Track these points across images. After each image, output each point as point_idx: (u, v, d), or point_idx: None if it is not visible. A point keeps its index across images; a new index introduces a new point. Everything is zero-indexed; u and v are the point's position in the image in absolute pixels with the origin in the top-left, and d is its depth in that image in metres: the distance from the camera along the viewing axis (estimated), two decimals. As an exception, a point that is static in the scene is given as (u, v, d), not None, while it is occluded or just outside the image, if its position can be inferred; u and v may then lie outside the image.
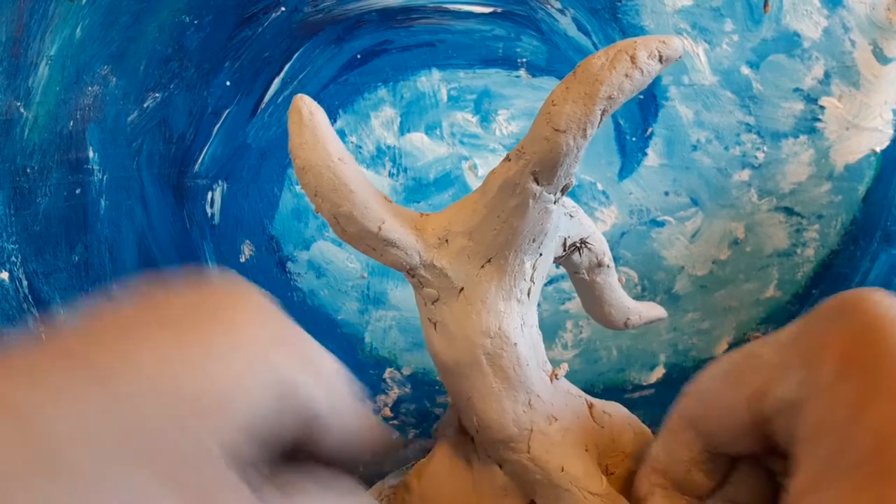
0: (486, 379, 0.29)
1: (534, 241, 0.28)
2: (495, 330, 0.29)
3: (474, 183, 0.49)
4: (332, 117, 0.47)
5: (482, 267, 0.28)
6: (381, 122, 0.48)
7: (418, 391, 0.52)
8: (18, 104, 0.44)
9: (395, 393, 0.52)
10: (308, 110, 0.27)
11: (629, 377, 0.53)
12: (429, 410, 0.52)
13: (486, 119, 0.48)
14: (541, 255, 0.29)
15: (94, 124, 0.45)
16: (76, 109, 0.45)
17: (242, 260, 0.49)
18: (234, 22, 0.46)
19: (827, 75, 0.48)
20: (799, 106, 0.49)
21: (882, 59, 0.48)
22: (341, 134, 0.47)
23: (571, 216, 0.31)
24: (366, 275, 0.50)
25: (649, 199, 0.50)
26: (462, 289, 0.28)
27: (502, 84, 0.48)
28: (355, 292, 0.50)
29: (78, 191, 0.46)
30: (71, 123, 0.45)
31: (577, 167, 0.26)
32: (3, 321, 0.46)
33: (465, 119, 0.48)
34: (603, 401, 0.33)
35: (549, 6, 0.47)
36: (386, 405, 0.52)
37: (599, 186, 0.49)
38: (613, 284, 0.34)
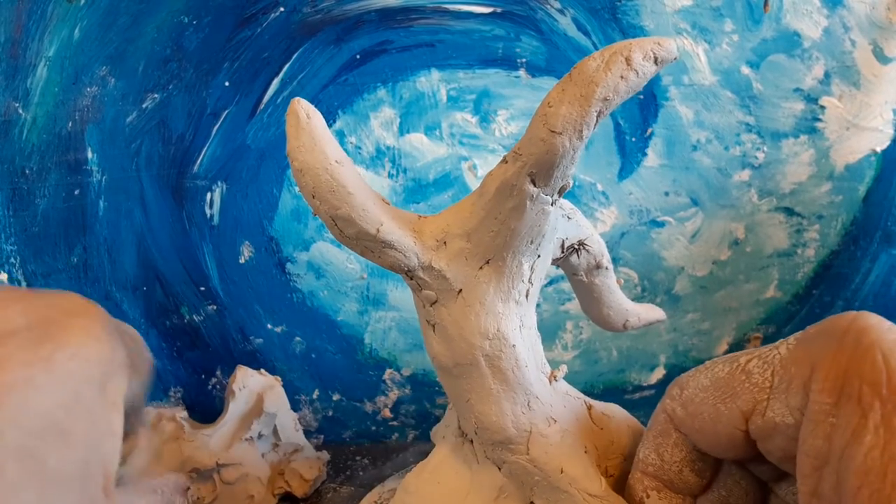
0: (484, 380, 0.29)
1: (531, 242, 0.28)
2: (494, 331, 0.29)
3: (474, 183, 0.49)
4: (332, 118, 0.47)
5: (480, 268, 0.28)
6: (381, 122, 0.48)
7: (418, 392, 0.52)
8: (17, 105, 0.44)
9: (394, 394, 0.52)
10: (305, 113, 0.27)
11: (629, 378, 0.53)
12: (428, 412, 0.52)
13: (485, 119, 0.48)
14: (539, 256, 0.29)
15: (93, 125, 0.45)
16: (75, 110, 0.45)
17: (242, 261, 0.49)
18: (232, 22, 0.45)
19: (827, 75, 0.48)
20: (799, 106, 0.49)
21: (882, 58, 0.48)
22: (340, 135, 0.47)
23: (569, 218, 0.31)
24: (365, 276, 0.50)
25: (649, 199, 0.50)
26: (460, 290, 0.28)
27: (502, 84, 0.48)
28: (355, 293, 0.50)
29: (77, 192, 0.46)
30: (70, 124, 0.45)
31: (574, 169, 0.26)
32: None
33: (465, 119, 0.48)
34: (602, 402, 0.33)
35: (548, 6, 0.47)
36: (386, 406, 0.52)
37: (599, 187, 0.49)
38: (612, 286, 0.34)
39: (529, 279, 0.29)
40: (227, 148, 0.47)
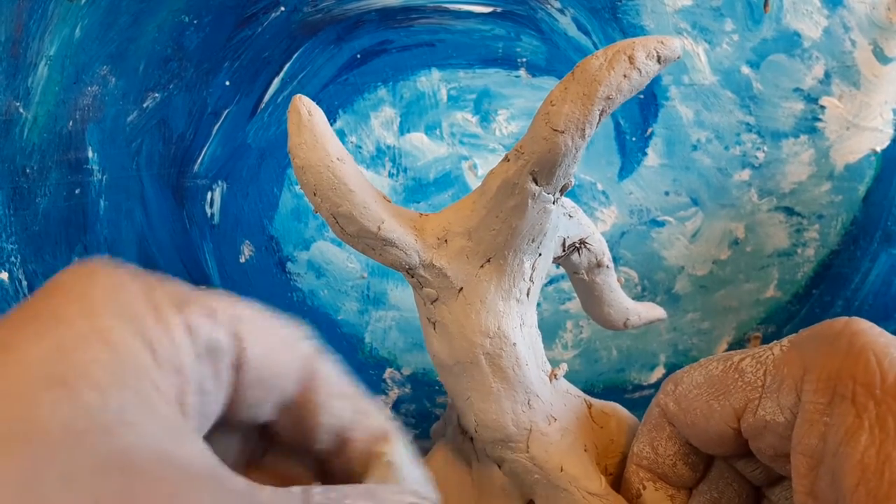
0: (485, 379, 0.29)
1: (533, 241, 0.28)
2: (494, 330, 0.29)
3: (474, 183, 0.49)
4: (332, 117, 0.47)
5: (481, 267, 0.28)
6: (381, 122, 0.48)
7: (418, 391, 0.52)
8: (18, 104, 0.44)
9: (394, 393, 0.52)
10: (306, 110, 0.27)
11: (629, 377, 0.53)
12: (428, 411, 0.52)
13: (485, 119, 0.48)
14: (540, 255, 0.29)
15: (94, 124, 0.45)
16: (75, 109, 0.45)
17: (242, 260, 0.49)
18: (233, 22, 0.45)
19: (827, 75, 0.48)
20: (799, 106, 0.49)
21: (882, 58, 0.48)
22: (341, 134, 0.47)
23: (570, 216, 0.31)
24: (366, 275, 0.50)
25: (649, 199, 0.50)
26: (461, 289, 0.28)
27: (502, 84, 0.48)
28: (355, 292, 0.50)
29: (77, 191, 0.46)
30: (70, 123, 0.45)
31: (576, 167, 0.26)
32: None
33: (465, 119, 0.48)
34: (602, 401, 0.33)
35: (549, 6, 0.47)
36: (386, 405, 0.52)
37: (599, 186, 0.49)
38: (613, 285, 0.34)
39: (530, 277, 0.29)
40: (228, 147, 0.47)
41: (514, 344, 0.29)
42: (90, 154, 0.46)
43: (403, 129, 0.48)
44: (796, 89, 0.49)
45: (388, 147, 0.48)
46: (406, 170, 0.48)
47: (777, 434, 0.24)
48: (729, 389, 0.26)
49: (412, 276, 0.29)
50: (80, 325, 0.18)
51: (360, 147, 0.48)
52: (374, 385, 0.52)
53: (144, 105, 0.46)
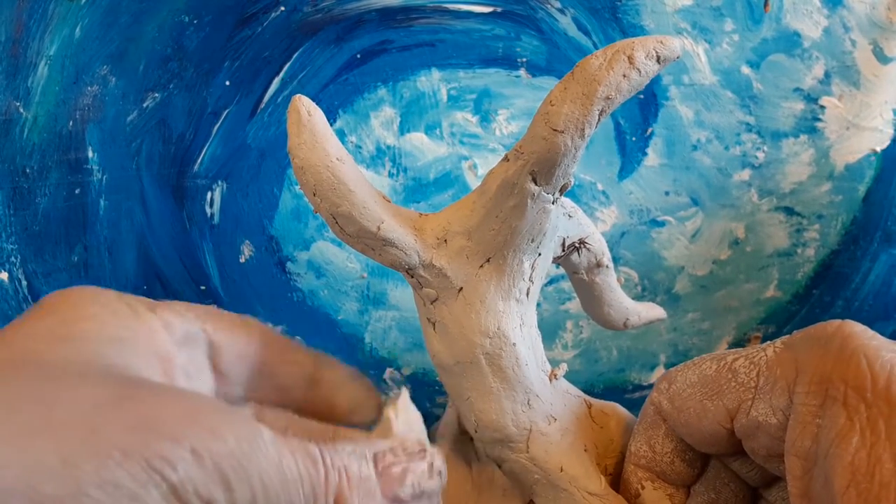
0: (484, 379, 0.29)
1: (532, 241, 0.28)
2: (494, 330, 0.29)
3: (474, 183, 0.49)
4: (332, 117, 0.47)
5: (481, 267, 0.28)
6: (381, 121, 0.48)
7: (418, 391, 0.52)
8: (17, 104, 0.44)
9: (395, 393, 0.52)
10: (306, 110, 0.27)
11: (629, 377, 0.53)
12: (429, 411, 0.52)
13: (485, 119, 0.48)
14: (539, 255, 0.29)
15: (94, 124, 0.45)
16: (75, 109, 0.45)
17: (242, 260, 0.49)
18: (233, 22, 0.46)
19: (827, 75, 0.48)
20: (799, 106, 0.49)
21: (882, 58, 0.48)
22: (340, 134, 0.47)
23: (570, 216, 0.31)
24: (365, 275, 0.50)
25: (649, 199, 0.50)
26: (461, 289, 0.29)
27: (502, 84, 0.48)
28: (355, 292, 0.50)
29: (77, 191, 0.46)
30: (70, 123, 0.45)
31: (576, 167, 0.26)
32: (2, 322, 0.46)
33: (465, 119, 0.48)
34: (602, 401, 0.33)
35: (549, 6, 0.47)
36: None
37: (599, 186, 0.49)
38: (612, 285, 0.34)
39: (530, 277, 0.29)
40: (228, 147, 0.47)
41: (514, 344, 0.29)
42: (90, 154, 0.46)
43: (403, 129, 0.48)
44: (796, 89, 0.49)
45: (388, 147, 0.48)
46: (406, 170, 0.48)
47: (770, 435, 0.24)
48: (722, 389, 0.26)
49: (412, 277, 0.29)
50: (70, 312, 0.21)
51: (360, 147, 0.48)
52: (375, 385, 0.52)
53: (144, 105, 0.46)
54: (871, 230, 0.51)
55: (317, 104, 0.27)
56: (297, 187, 0.48)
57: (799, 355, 0.24)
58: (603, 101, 0.24)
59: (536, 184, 0.26)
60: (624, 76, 0.24)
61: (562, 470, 0.29)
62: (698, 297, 0.51)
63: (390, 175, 0.48)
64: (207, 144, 0.47)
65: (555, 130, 0.25)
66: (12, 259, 0.46)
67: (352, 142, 0.48)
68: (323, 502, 0.20)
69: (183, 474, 0.17)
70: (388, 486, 0.22)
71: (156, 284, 0.48)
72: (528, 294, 0.30)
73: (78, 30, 0.44)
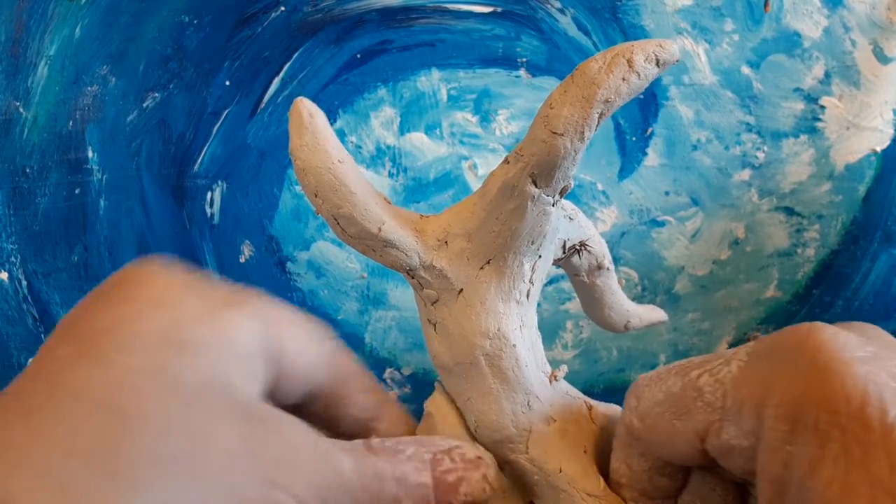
0: (484, 380, 0.29)
1: (533, 243, 0.28)
2: (494, 331, 0.29)
3: (474, 183, 0.49)
4: (332, 117, 0.47)
5: (481, 268, 0.28)
6: (381, 121, 0.48)
7: (418, 391, 0.52)
8: (18, 104, 0.44)
9: (394, 393, 0.52)
10: (308, 112, 0.27)
11: (629, 378, 0.53)
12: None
13: (486, 119, 0.48)
14: (540, 256, 0.29)
15: (94, 124, 0.45)
16: (75, 109, 0.45)
17: (242, 260, 0.49)
18: (233, 22, 0.46)
19: (827, 75, 0.48)
20: (799, 106, 0.49)
21: (882, 58, 0.48)
22: (341, 134, 0.47)
23: (571, 218, 0.31)
24: (365, 275, 0.50)
25: (649, 199, 0.50)
26: (461, 290, 0.29)
27: (502, 84, 0.48)
28: (355, 292, 0.50)
29: (77, 191, 0.46)
30: (70, 123, 0.45)
31: (575, 170, 0.26)
32: (2, 322, 0.46)
33: (465, 119, 0.48)
34: (602, 402, 0.33)
35: (549, 6, 0.47)
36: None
37: (599, 186, 0.49)
38: (613, 287, 0.34)
39: (530, 279, 0.29)
40: (228, 147, 0.47)
41: (514, 345, 0.29)
42: (90, 154, 0.46)
43: (403, 129, 0.48)
44: (796, 89, 0.49)
45: (388, 147, 0.48)
46: (406, 170, 0.48)
47: (744, 457, 0.23)
48: (689, 409, 0.24)
49: (412, 278, 0.29)
50: (174, 309, 0.23)
51: (360, 147, 0.48)
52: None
53: (144, 105, 0.46)
54: (871, 230, 0.51)
55: (317, 104, 0.28)
56: (298, 187, 0.48)
57: (766, 372, 0.22)
58: (602, 104, 0.24)
59: (536, 186, 0.26)
60: (623, 79, 0.24)
61: (561, 471, 0.29)
62: (698, 297, 0.51)
63: (390, 175, 0.48)
64: (207, 144, 0.47)
65: (554, 133, 0.25)
66: (12, 259, 0.46)
67: (352, 142, 0.48)
68: None
69: None
70: (442, 496, 0.22)
71: (156, 284, 0.48)
72: (528, 296, 0.30)
73: (78, 30, 0.44)
